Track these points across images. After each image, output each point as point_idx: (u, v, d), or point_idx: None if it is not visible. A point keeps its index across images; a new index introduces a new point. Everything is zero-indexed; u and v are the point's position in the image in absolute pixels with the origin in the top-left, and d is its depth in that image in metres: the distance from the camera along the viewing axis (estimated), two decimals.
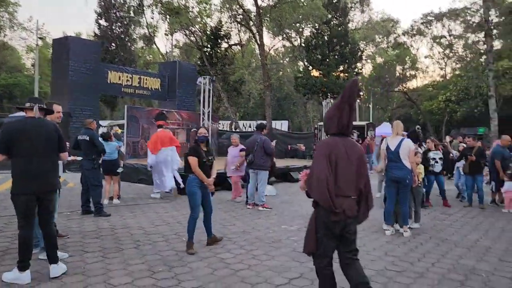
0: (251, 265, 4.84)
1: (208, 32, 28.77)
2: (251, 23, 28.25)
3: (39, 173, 4.06)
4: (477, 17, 30.96)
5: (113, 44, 34.00)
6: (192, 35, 30.81)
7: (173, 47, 41.93)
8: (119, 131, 16.11)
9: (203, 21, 28.31)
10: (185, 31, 30.58)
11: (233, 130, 31.46)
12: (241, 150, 9.25)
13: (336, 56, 27.43)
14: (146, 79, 18.08)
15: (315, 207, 3.43)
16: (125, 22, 34.84)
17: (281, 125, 31.21)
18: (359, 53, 29.33)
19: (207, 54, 28.56)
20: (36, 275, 4.23)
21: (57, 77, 15.64)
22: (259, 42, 26.82)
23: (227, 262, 4.94)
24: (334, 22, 27.43)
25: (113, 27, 34.55)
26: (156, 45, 40.39)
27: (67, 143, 4.58)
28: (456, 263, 5.10)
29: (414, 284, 4.35)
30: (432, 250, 5.66)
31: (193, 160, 5.35)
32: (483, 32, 22.58)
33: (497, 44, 29.08)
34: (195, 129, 17.54)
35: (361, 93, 31.32)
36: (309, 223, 3.47)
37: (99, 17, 34.46)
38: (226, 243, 5.82)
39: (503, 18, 24.69)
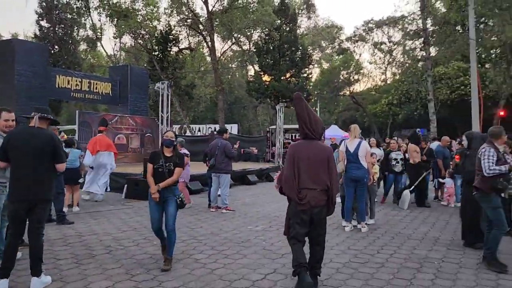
0: (226, 264, 5.05)
1: (157, 36, 28.45)
2: (201, 27, 28.35)
3: (30, 182, 4.06)
4: (415, 26, 33.13)
5: (56, 47, 32.64)
6: (141, 38, 30.34)
7: (121, 50, 40.95)
8: (65, 137, 15.62)
9: (152, 24, 27.98)
10: (133, 34, 30.05)
11: (183, 134, 31.31)
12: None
13: (286, 61, 28.19)
14: (97, 83, 17.59)
15: (289, 201, 4.28)
16: (69, 24, 33.57)
17: (231, 129, 31.43)
18: (308, 58, 30.32)
19: (157, 58, 28.24)
20: (12, 284, 4.18)
21: (2, 82, 14.89)
22: (210, 46, 27.00)
23: (202, 262, 5.12)
24: (284, 28, 28.19)
25: (56, 29, 33.17)
26: (103, 48, 39.28)
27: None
28: (411, 253, 5.61)
29: (377, 273, 4.77)
30: (389, 243, 6.17)
31: (148, 167, 4.96)
32: (422, 39, 24.21)
33: (433, 51, 31.26)
34: (149, 134, 17.45)
35: (310, 97, 32.31)
36: (286, 212, 4.34)
37: (40, 18, 32.92)
38: (197, 244, 5.98)
39: (437, 27, 26.63)
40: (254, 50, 30.40)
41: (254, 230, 7.01)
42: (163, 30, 28.25)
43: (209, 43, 27.14)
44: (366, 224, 7.12)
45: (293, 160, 4.11)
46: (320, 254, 4.23)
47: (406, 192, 9.23)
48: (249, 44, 35.64)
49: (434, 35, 27.66)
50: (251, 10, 24.80)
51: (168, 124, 12.29)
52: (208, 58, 34.74)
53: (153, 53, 28.45)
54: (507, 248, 5.92)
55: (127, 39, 37.88)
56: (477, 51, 20.55)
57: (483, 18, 24.16)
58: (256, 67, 31.75)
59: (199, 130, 35.29)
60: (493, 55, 25.55)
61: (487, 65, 27.50)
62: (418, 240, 6.37)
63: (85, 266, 4.87)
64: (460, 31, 24.74)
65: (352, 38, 48.12)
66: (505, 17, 20.03)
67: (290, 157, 4.17)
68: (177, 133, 29.44)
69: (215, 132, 9.92)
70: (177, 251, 5.57)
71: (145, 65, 29.68)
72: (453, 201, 9.59)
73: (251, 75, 34.26)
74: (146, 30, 27.61)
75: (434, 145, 11.40)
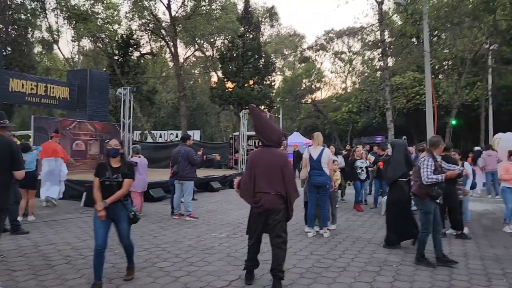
0: (191, 272, 5.02)
1: (118, 40, 27.84)
2: (164, 32, 28.03)
3: None
4: (373, 37, 34.33)
5: (8, 48, 31.21)
6: (100, 42, 29.59)
7: (79, 53, 39.77)
8: (19, 142, 14.98)
9: (112, 28, 27.36)
10: (92, 38, 29.26)
11: (144, 140, 30.74)
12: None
13: (250, 69, 28.36)
14: (54, 87, 16.95)
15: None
16: (23, 25, 32.20)
17: (193, 135, 31.20)
18: (271, 66, 30.65)
19: (118, 62, 27.63)
20: None
21: None
22: (173, 52, 26.73)
23: (166, 270, 5.07)
24: (247, 35, 28.38)
25: (9, 30, 31.74)
26: (60, 51, 37.99)
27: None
28: (371, 257, 5.80)
29: (339, 277, 4.90)
30: (350, 247, 6.35)
31: (94, 181, 4.44)
32: (380, 50, 25.11)
33: (390, 62, 32.47)
34: (108, 140, 17.04)
35: (273, 104, 32.65)
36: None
37: None
38: (161, 252, 5.90)
39: (394, 39, 27.73)
40: (218, 57, 30.36)
41: (218, 237, 7.00)
42: (124, 34, 27.70)
43: (172, 49, 26.86)
44: (328, 229, 7.28)
45: (251, 166, 4.48)
46: (280, 256, 4.36)
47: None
48: (213, 50, 35.59)
49: (392, 47, 28.77)
50: (214, 17, 24.79)
51: (129, 130, 12.05)
52: (171, 64, 34.37)
53: (114, 57, 27.81)
54: (458, 249, 6.25)
55: (86, 42, 36.90)
56: (431, 62, 21.52)
57: (436, 32, 25.40)
58: (220, 74, 31.75)
59: (160, 136, 34.75)
60: (446, 67, 26.85)
61: (440, 76, 28.85)
62: (377, 244, 6.59)
63: (43, 277, 4.70)
64: (416, 43, 25.84)
65: (314, 47, 49.26)
66: (456, 32, 21.14)
67: (248, 164, 4.59)
68: (137, 140, 28.90)
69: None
70: (139, 259, 5.50)
71: (105, 69, 28.95)
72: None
73: (214, 82, 34.18)
74: (106, 33, 26.92)
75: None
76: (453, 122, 22.12)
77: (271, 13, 42.43)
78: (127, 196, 4.50)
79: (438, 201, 5.39)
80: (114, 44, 27.73)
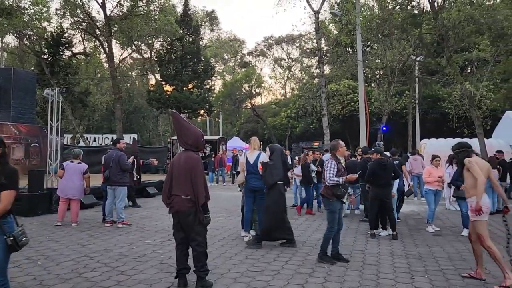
0: (120, 281, 4.80)
1: (47, 38, 26.28)
2: (98, 32, 26.91)
3: None
4: (311, 45, 35.39)
5: None
6: (27, 39, 27.79)
7: (3, 51, 37.03)
8: None
9: (41, 25, 25.78)
10: (18, 34, 27.41)
11: (76, 144, 29.27)
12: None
13: (189, 72, 28.04)
14: None
15: None
16: None
17: (130, 139, 30.21)
18: (211, 70, 30.53)
19: (47, 61, 26.08)
20: None
21: None
22: (107, 52, 25.72)
23: (94, 280, 4.80)
24: (186, 38, 28.05)
25: None
26: None
27: None
28: (304, 260, 5.90)
29: (272, 280, 4.92)
30: (284, 251, 6.42)
31: None
32: (317, 58, 25.92)
33: (327, 69, 33.66)
34: (36, 144, 15.95)
35: (213, 108, 32.51)
36: None
37: None
38: (89, 262, 5.60)
39: (331, 47, 28.80)
40: (156, 59, 29.73)
41: (151, 244, 6.79)
42: (55, 32, 26.23)
43: (107, 49, 25.84)
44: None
45: (169, 169, 4.70)
46: (198, 258, 4.49)
47: None
48: (151, 52, 34.77)
49: (328, 55, 29.85)
50: (152, 18, 24.22)
51: (58, 133, 11.37)
52: (106, 65, 33.05)
53: (42, 56, 26.22)
54: (385, 249, 6.55)
55: (11, 39, 34.52)
56: (364, 71, 22.60)
57: (369, 42, 26.73)
58: (158, 77, 31.07)
59: (94, 140, 33.28)
60: (377, 76, 28.33)
61: (372, 85, 30.38)
62: (311, 246, 6.72)
63: None
64: (350, 53, 27.01)
65: (254, 52, 49.87)
66: (386, 43, 22.38)
67: (169, 166, 4.78)
68: (69, 144, 27.37)
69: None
70: (65, 270, 5.19)
71: (33, 68, 27.23)
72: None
73: (152, 84, 33.40)
74: (34, 30, 25.31)
75: (327, 156, 12.25)
76: (384, 128, 23.33)
77: (211, 17, 42.41)
78: (6, 214, 3.41)
79: (343, 200, 5.87)
80: (43, 42, 26.16)
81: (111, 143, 27.56)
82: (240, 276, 5.09)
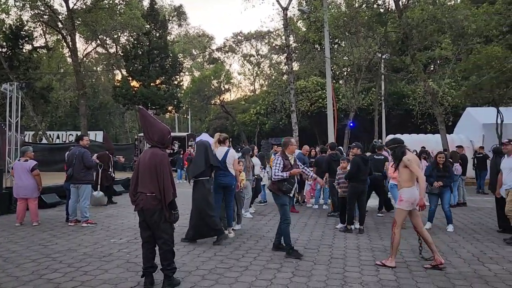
0: (84, 282, 4.67)
1: (5, 31, 25.16)
2: (61, 25, 25.99)
3: None
4: (280, 41, 35.51)
5: None
6: None
7: None
8: None
9: None
10: None
11: (38, 142, 28.30)
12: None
13: (156, 68, 27.56)
14: None
15: None
16: None
17: (96, 136, 29.45)
18: (179, 66, 30.12)
19: (5, 55, 24.98)
20: None
21: None
22: (71, 46, 24.89)
23: (56, 282, 4.64)
24: (153, 33, 27.54)
25: None
26: None
27: None
28: (273, 255, 5.92)
29: (241, 277, 4.91)
30: (254, 247, 6.42)
31: None
32: (285, 55, 26.05)
33: (295, 66, 33.88)
34: None
35: (181, 104, 32.11)
36: None
37: None
38: (51, 263, 5.41)
39: (299, 44, 29.01)
40: (122, 54, 29.03)
41: (117, 243, 6.63)
42: (14, 24, 25.14)
43: (70, 43, 25.01)
44: (233, 229, 7.30)
45: (136, 166, 4.63)
46: (165, 256, 4.45)
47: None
48: (116, 47, 33.95)
49: (296, 51, 30.04)
50: (118, 12, 23.62)
51: (18, 130, 10.92)
52: (69, 59, 32.03)
53: (0, 50, 25.09)
54: (352, 242, 6.66)
55: None
56: (332, 68, 22.89)
57: (337, 40, 27.08)
58: (124, 72, 30.39)
59: (58, 138, 32.23)
60: (345, 73, 28.77)
61: (340, 81, 30.83)
62: None
63: None
64: (318, 50, 27.29)
65: (223, 48, 49.59)
66: (353, 41, 22.75)
67: (136, 163, 4.71)
68: (30, 141, 26.39)
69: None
70: (25, 272, 5.00)
71: None
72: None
73: (118, 80, 32.62)
74: None
75: (296, 153, 12.35)
76: (351, 124, 23.74)
77: (179, 12, 41.84)
78: None
79: (290, 195, 6.06)
80: (1, 36, 25.04)
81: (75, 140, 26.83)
82: (208, 273, 5.05)
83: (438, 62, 26.97)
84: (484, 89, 17.71)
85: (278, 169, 5.83)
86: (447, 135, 17.33)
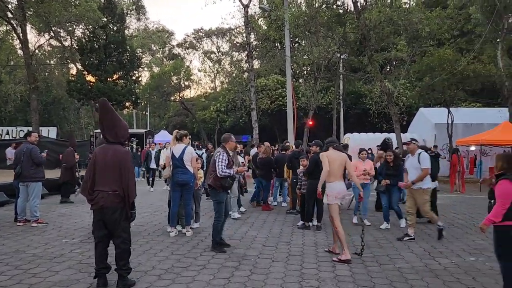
0: (33, 284, 4.45)
1: None
2: (10, 15, 24.64)
3: None
4: (241, 39, 35.42)
5: None
6: None
7: None
8: None
9: None
10: None
11: None
12: None
13: (113, 62, 26.73)
14: None
15: None
16: None
17: (49, 132, 28.16)
18: (137, 61, 29.38)
19: None
20: None
21: None
22: (21, 38, 23.66)
23: (1, 285, 4.40)
24: (110, 27, 26.69)
25: None
26: None
27: None
28: (231, 253, 5.89)
29: (198, 275, 4.85)
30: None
31: None
32: (246, 52, 26.03)
33: (256, 64, 33.93)
34: None
35: (139, 100, 31.33)
36: None
37: None
38: None
39: (260, 42, 29.07)
40: (77, 48, 27.92)
41: (69, 243, 6.38)
42: None
43: (20, 35, 23.76)
44: (191, 228, 7.20)
45: (92, 163, 4.39)
46: (122, 256, 4.33)
47: None
48: (71, 40, 32.62)
49: (257, 49, 30.08)
50: (72, 3, 22.66)
51: None
52: (20, 51, 30.44)
53: None
54: (309, 239, 6.75)
55: None
56: (292, 67, 23.11)
57: (297, 39, 27.34)
58: (79, 66, 29.28)
59: (7, 133, 30.58)
60: (305, 72, 29.12)
61: (300, 80, 31.18)
62: (238, 240, 6.73)
63: None
64: (279, 48, 27.46)
65: (183, 44, 48.84)
66: (313, 40, 23.04)
67: (91, 160, 4.47)
68: None
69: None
70: None
71: None
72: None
73: (72, 74, 31.37)
74: None
75: (253, 151, 12.43)
76: (310, 123, 24.07)
77: (138, 6, 40.80)
78: None
79: (229, 192, 6.23)
80: None
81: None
82: (165, 272, 4.95)
83: (394, 63, 27.84)
84: (436, 90, 18.48)
85: (224, 166, 5.84)
86: (402, 134, 17.95)
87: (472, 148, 17.04)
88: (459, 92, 18.84)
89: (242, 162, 10.22)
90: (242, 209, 9.50)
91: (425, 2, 24.98)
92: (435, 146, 15.83)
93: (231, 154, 6.09)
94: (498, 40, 18.71)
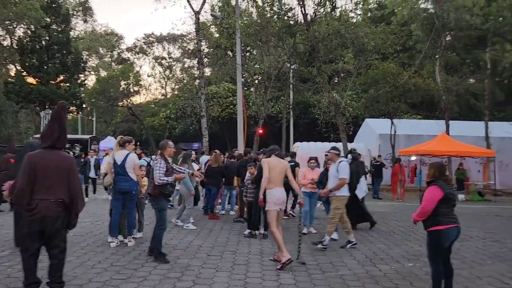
0: None
1: None
2: None
3: None
4: (192, 45, 35.12)
5: None
6: None
7: None
8: None
9: None
10: None
11: None
12: None
13: (56, 64, 25.54)
14: None
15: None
16: None
17: None
18: (82, 64, 28.27)
19: None
20: None
21: None
22: None
23: None
24: (54, 27, 25.52)
25: None
26: None
27: None
28: (174, 263, 5.70)
29: (139, 287, 4.64)
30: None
31: None
32: (197, 59, 25.85)
33: (208, 71, 33.79)
34: None
35: (84, 105, 30.12)
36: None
37: None
38: None
39: (212, 49, 29.03)
40: (16, 47, 26.43)
41: None
42: None
43: None
44: (133, 238, 6.92)
45: (30, 169, 3.95)
46: (59, 267, 4.06)
47: None
48: (11, 39, 30.85)
49: (209, 56, 29.99)
50: (13, 1, 21.48)
51: None
52: None
53: None
54: (255, 248, 6.70)
55: None
56: (243, 75, 23.18)
57: (249, 48, 27.53)
58: (18, 67, 27.70)
59: None
60: (256, 81, 29.35)
61: (251, 89, 31.37)
62: (182, 249, 6.55)
63: None
64: (230, 56, 27.50)
65: (133, 49, 47.67)
66: (264, 49, 23.30)
67: (26, 166, 3.98)
68: None
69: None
70: None
71: None
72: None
73: (11, 75, 29.62)
74: None
75: (204, 158, 12.29)
76: (260, 131, 24.23)
77: (85, 7, 39.32)
78: None
79: (170, 199, 6.22)
80: None
81: None
82: (103, 285, 4.70)
83: (342, 75, 28.77)
84: (380, 102, 19.27)
85: (162, 173, 5.76)
86: (348, 143, 18.48)
87: (413, 158, 17.87)
88: (402, 104, 19.76)
89: (198, 170, 10.03)
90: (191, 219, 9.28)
91: (371, 17, 26.07)
92: (379, 156, 16.45)
93: (170, 161, 5.98)
94: (436, 56, 19.84)
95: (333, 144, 21.39)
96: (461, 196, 15.62)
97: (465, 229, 8.80)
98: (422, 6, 19.91)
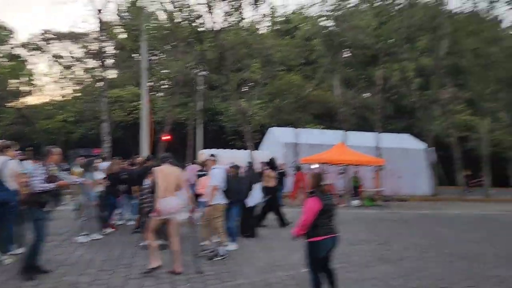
0: None
1: None
2: None
3: None
4: (95, 45, 33.11)
5: None
6: None
7: None
8: None
9: None
10: None
11: None
12: None
13: None
14: None
15: None
16: None
17: None
18: None
19: None
20: None
21: None
22: None
23: None
24: None
25: None
26: None
27: None
28: (60, 281, 5.20)
29: None
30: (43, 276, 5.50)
31: None
32: (100, 60, 24.44)
33: (113, 73, 32.11)
34: None
35: None
36: None
37: None
38: None
39: (118, 51, 27.67)
40: None
41: None
42: None
43: None
44: (11, 254, 6.17)
45: None
46: None
47: None
48: None
49: (115, 58, 28.53)
50: None
51: None
52: None
53: None
54: (139, 261, 6.38)
55: None
56: (150, 79, 22.43)
57: (157, 51, 26.74)
58: None
59: None
60: (164, 85, 28.62)
61: (159, 94, 30.48)
62: (70, 265, 6.01)
63: None
64: (136, 59, 26.44)
65: (28, 45, 43.56)
66: (172, 54, 22.85)
67: None
68: None
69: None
70: None
71: None
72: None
73: None
74: None
75: (104, 164, 11.52)
76: (168, 137, 23.61)
77: None
78: None
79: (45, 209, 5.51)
80: None
81: None
82: None
83: (249, 84, 29.34)
84: (284, 112, 19.96)
85: (42, 180, 5.30)
86: (254, 151, 18.82)
87: (315, 166, 18.77)
88: (304, 115, 20.69)
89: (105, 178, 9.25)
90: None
91: (278, 30, 27.04)
92: (283, 164, 16.96)
93: (56, 168, 5.53)
94: (336, 71, 21.17)
95: (241, 152, 21.73)
96: (355, 202, 16.75)
97: (356, 233, 9.44)
98: (322, 24, 21.11)
